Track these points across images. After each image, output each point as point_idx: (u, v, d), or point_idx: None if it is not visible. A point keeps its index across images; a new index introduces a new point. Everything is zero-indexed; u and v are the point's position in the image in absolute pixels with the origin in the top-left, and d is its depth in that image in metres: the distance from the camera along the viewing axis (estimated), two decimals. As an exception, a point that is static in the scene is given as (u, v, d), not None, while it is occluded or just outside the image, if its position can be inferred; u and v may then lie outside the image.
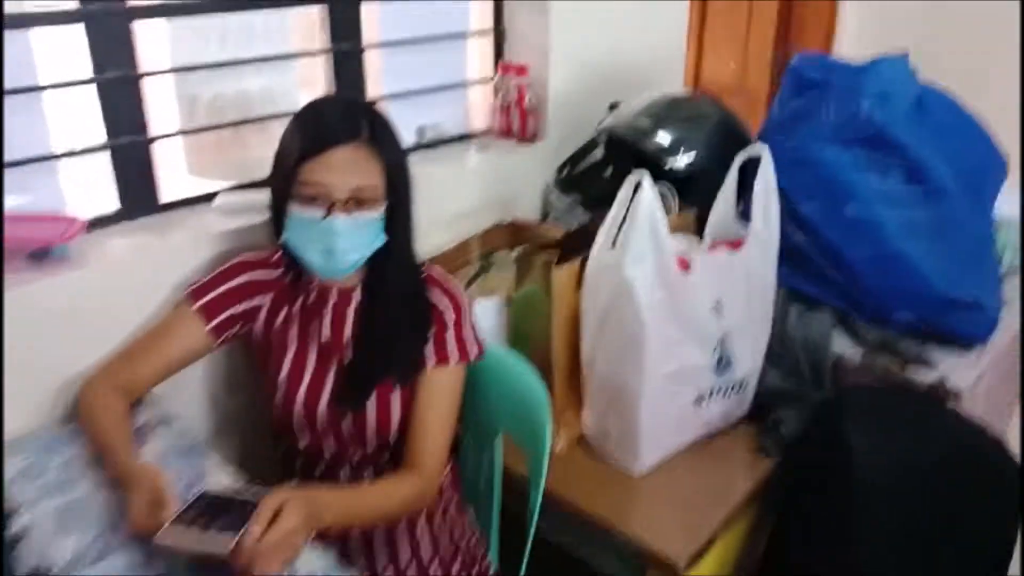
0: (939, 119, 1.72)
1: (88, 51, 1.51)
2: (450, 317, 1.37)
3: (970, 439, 1.52)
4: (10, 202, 1.48)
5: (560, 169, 2.16)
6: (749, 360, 1.66)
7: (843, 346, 1.71)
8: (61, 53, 1.58)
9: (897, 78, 1.69)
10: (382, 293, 1.35)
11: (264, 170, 1.83)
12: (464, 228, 2.00)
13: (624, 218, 1.49)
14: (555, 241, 1.75)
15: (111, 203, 1.60)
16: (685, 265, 1.52)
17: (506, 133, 2.15)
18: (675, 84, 2.48)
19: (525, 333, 1.75)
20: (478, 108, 2.21)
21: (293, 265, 1.36)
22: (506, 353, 1.53)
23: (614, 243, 1.51)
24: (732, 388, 1.66)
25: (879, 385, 1.63)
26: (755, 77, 3.52)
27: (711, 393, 1.62)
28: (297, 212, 1.26)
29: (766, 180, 1.58)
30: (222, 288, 1.36)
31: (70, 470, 1.26)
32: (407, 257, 1.37)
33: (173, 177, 1.79)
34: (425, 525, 1.43)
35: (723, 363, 1.61)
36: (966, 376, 1.62)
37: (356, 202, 1.25)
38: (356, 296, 1.38)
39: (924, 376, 1.58)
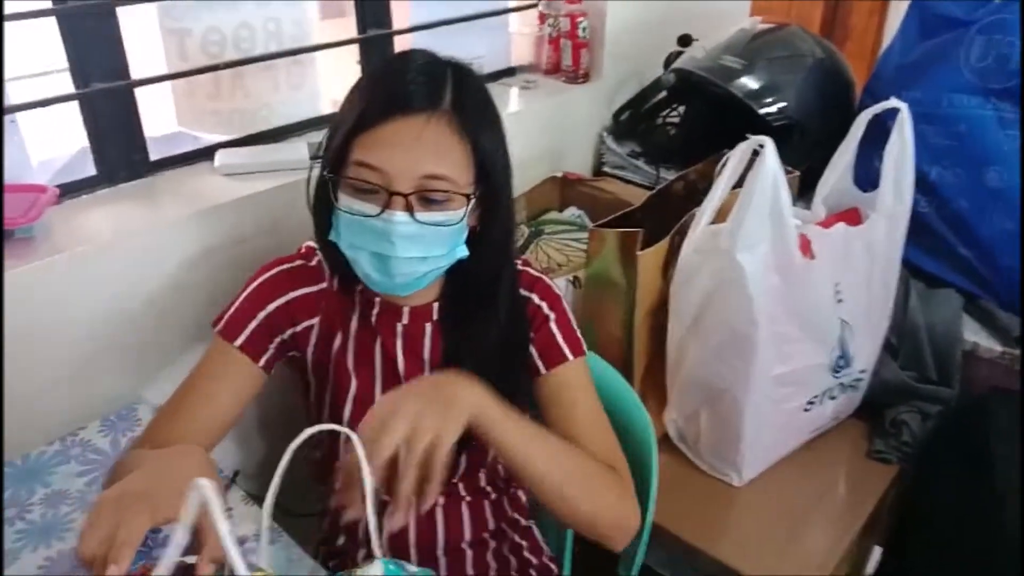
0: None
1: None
2: (550, 313, 1.06)
3: None
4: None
5: (618, 114, 1.85)
6: (868, 354, 1.41)
7: (973, 335, 1.44)
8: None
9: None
10: (468, 322, 1.03)
11: (268, 121, 1.54)
12: (506, 185, 1.70)
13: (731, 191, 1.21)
14: (631, 208, 1.45)
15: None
16: (807, 249, 1.24)
17: (554, 70, 1.83)
18: (743, 15, 2.14)
19: (591, 319, 1.48)
20: (520, 41, 1.87)
21: (339, 268, 1.02)
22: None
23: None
24: (848, 387, 1.40)
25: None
26: (807, 5, 3.14)
27: (825, 395, 1.37)
28: (345, 204, 0.92)
29: (903, 143, 1.29)
30: (261, 315, 1.03)
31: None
32: (502, 272, 1.02)
33: (159, 129, 1.46)
34: (493, 541, 1.16)
35: (842, 361, 1.35)
36: None
37: (424, 199, 0.90)
38: (433, 314, 1.05)
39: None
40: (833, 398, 1.40)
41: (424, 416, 0.79)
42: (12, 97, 1.23)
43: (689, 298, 1.30)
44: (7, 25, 1.16)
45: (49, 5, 1.20)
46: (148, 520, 0.69)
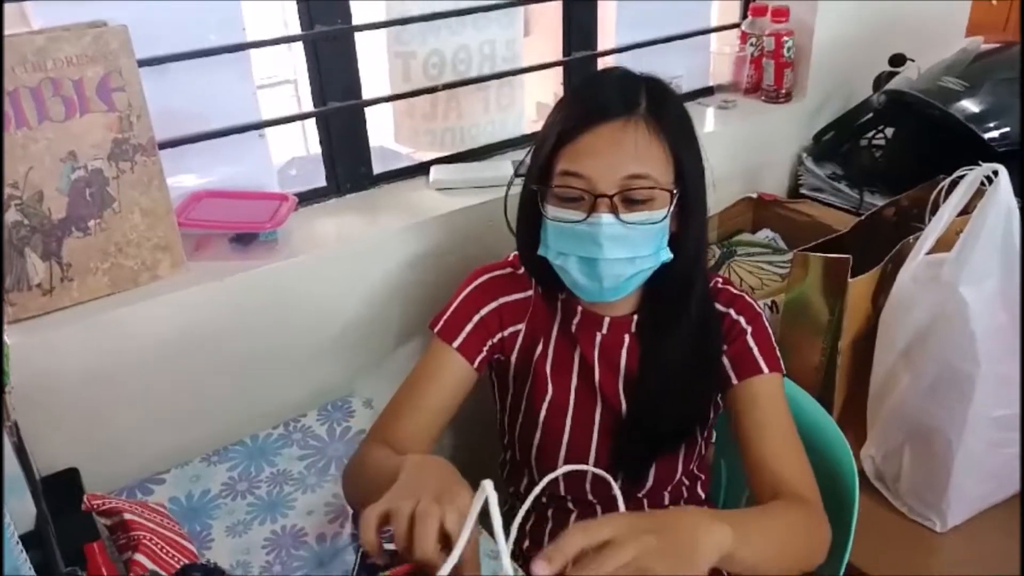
0: None
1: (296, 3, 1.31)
2: (747, 327, 1.05)
3: None
4: (222, 171, 1.34)
5: (820, 135, 1.80)
6: (1100, 402, 1.29)
7: None
8: (269, 9, 1.37)
9: None
10: (661, 332, 1.04)
11: (476, 139, 1.63)
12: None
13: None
14: (837, 233, 1.41)
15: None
16: (1041, 285, 1.16)
17: (754, 90, 1.81)
18: (958, 34, 2.03)
19: (786, 347, 1.44)
20: (720, 60, 1.86)
21: (542, 278, 1.07)
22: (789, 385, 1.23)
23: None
24: (1075, 436, 1.30)
25: None
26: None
27: (1048, 443, 1.28)
28: (553, 213, 0.96)
29: None
30: (476, 318, 1.09)
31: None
32: (697, 276, 1.04)
33: (379, 145, 1.57)
34: None
35: (1070, 407, 1.25)
36: None
37: (628, 200, 0.93)
38: (632, 326, 1.08)
39: None
40: (1059, 445, 1.30)
41: (653, 558, 0.69)
42: (261, 112, 1.36)
43: (901, 330, 1.24)
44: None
45: (298, 31, 1.32)
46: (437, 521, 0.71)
